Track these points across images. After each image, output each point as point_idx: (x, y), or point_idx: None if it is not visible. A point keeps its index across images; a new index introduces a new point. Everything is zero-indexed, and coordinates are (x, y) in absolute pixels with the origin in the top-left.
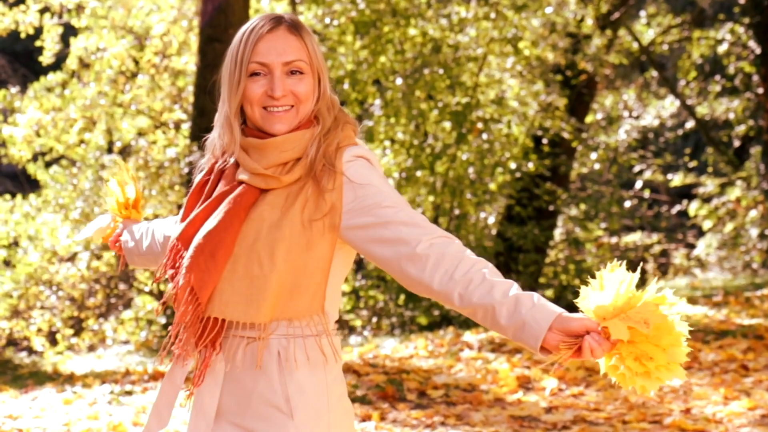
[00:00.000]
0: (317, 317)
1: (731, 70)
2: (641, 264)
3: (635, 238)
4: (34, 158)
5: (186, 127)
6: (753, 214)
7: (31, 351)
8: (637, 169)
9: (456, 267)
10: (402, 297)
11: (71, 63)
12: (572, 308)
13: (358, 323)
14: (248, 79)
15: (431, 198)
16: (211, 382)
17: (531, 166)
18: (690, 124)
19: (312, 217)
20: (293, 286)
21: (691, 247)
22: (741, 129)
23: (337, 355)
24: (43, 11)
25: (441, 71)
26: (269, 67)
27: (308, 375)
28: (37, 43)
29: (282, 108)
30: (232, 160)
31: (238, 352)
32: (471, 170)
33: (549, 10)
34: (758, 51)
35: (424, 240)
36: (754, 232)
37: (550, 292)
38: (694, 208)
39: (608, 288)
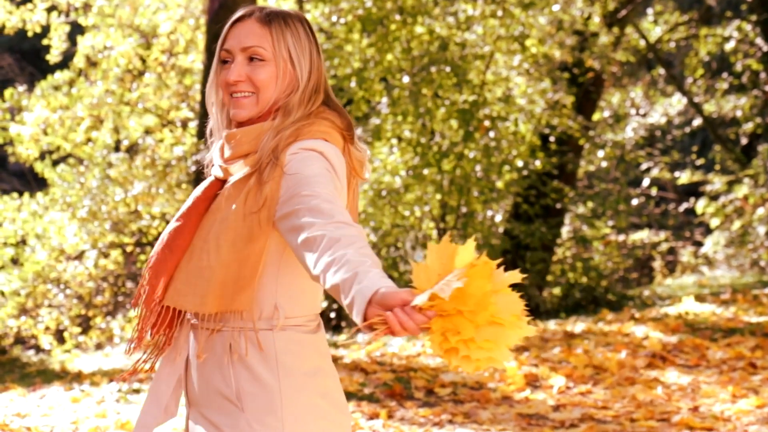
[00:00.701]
0: (269, 311)
1: (739, 67)
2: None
3: (643, 235)
4: (42, 157)
5: (193, 125)
6: (761, 211)
7: (38, 349)
8: (644, 166)
9: (327, 251)
10: None
11: (78, 61)
12: (578, 306)
13: None
14: (220, 67)
15: (438, 196)
16: (170, 371)
17: (538, 163)
18: (697, 122)
19: (251, 209)
20: (238, 278)
21: (699, 244)
22: (748, 126)
23: (294, 351)
24: (50, 10)
25: (448, 69)
26: (232, 53)
27: (259, 368)
28: (44, 42)
29: (242, 94)
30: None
31: (200, 343)
32: (478, 168)
33: (556, 7)
34: (766, 48)
35: (316, 226)
36: (761, 229)
37: (557, 290)
38: (701, 205)
39: (432, 258)
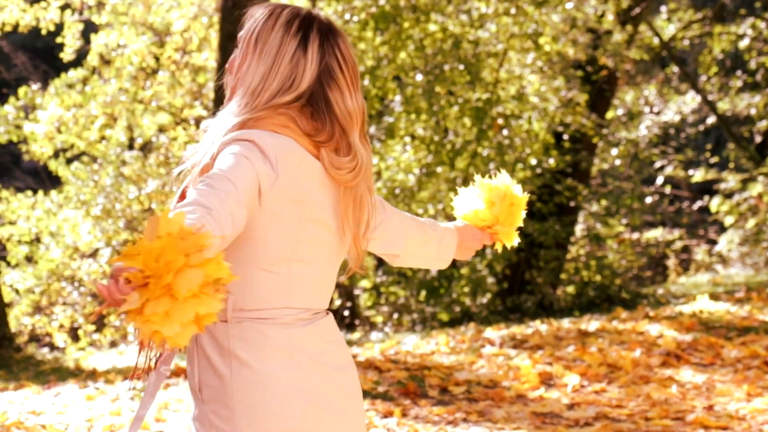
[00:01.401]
0: (225, 304)
1: (753, 65)
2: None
3: (656, 234)
4: (56, 155)
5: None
6: None
7: (53, 347)
8: (658, 165)
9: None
10: (423, 293)
11: (92, 59)
12: (592, 304)
13: (379, 319)
14: None
15: (452, 194)
16: (167, 361)
17: (552, 162)
18: (711, 120)
19: None
20: None
21: (713, 243)
22: (762, 124)
23: (250, 344)
24: (63, 8)
25: (461, 67)
26: None
27: (216, 361)
28: (58, 40)
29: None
30: None
31: None
32: (491, 166)
33: (569, 5)
34: None
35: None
36: None
37: (571, 288)
38: (715, 204)
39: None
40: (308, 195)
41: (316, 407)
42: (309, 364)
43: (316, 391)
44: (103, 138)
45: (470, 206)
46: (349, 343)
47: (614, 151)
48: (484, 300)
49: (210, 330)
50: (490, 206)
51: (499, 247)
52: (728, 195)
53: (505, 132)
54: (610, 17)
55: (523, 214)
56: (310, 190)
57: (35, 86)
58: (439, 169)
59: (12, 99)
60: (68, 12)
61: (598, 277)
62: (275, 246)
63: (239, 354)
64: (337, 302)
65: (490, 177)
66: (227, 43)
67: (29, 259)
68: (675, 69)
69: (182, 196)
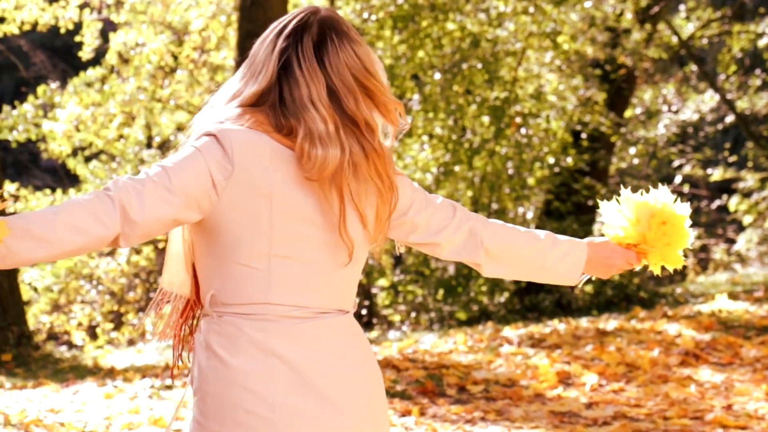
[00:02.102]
0: (210, 297)
1: None
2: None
3: None
4: (74, 153)
5: None
6: None
7: (71, 345)
8: (676, 163)
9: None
10: (441, 292)
11: (110, 58)
12: (610, 304)
13: (397, 318)
14: None
15: (470, 193)
16: None
17: (570, 160)
18: (730, 119)
19: None
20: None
21: (732, 242)
22: None
23: (224, 338)
24: (82, 7)
25: (479, 66)
26: None
27: (200, 354)
28: (77, 39)
29: None
30: None
31: None
32: (509, 165)
33: (588, 4)
34: None
35: None
36: None
37: (589, 288)
38: (734, 203)
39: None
40: (277, 188)
41: (284, 410)
42: (281, 365)
43: (283, 393)
44: (121, 136)
45: (613, 222)
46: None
47: (632, 150)
48: (502, 299)
49: (200, 325)
50: (635, 224)
51: (655, 269)
52: (747, 194)
53: (523, 131)
54: (628, 16)
55: (686, 233)
56: (280, 184)
57: (54, 85)
58: (456, 168)
59: (31, 97)
60: (87, 11)
61: (616, 276)
62: (249, 241)
63: (215, 348)
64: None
65: (646, 191)
66: (245, 42)
67: None
68: (694, 68)
69: None
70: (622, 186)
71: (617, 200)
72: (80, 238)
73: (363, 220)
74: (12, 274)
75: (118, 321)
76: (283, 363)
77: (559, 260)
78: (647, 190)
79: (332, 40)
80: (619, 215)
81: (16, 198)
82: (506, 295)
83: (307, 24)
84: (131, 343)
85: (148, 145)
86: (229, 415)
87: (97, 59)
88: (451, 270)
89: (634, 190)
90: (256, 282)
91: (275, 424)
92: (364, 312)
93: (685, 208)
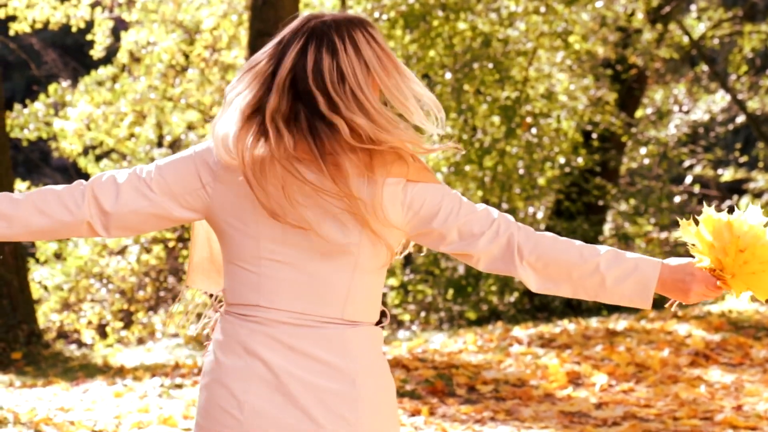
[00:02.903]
0: (224, 295)
1: None
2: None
3: None
4: (85, 152)
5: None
6: None
7: (80, 344)
8: (687, 164)
9: None
10: (450, 291)
11: (122, 57)
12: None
13: (406, 318)
14: None
15: (480, 192)
16: None
17: (580, 160)
18: (741, 119)
19: None
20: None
21: None
22: None
23: (221, 335)
24: (94, 5)
25: (490, 66)
26: None
27: (207, 351)
28: (88, 37)
29: None
30: None
31: None
32: (520, 165)
33: (599, 4)
34: None
35: None
36: None
37: None
38: (744, 203)
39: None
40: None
41: (252, 412)
42: (260, 367)
43: (255, 395)
44: (132, 135)
45: (691, 241)
46: None
47: (643, 150)
48: (512, 299)
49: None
50: (710, 248)
51: (739, 297)
52: (757, 194)
53: (533, 130)
54: (639, 16)
55: None
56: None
57: (65, 83)
58: (467, 168)
59: (42, 96)
60: (99, 9)
61: None
62: (240, 242)
63: (213, 344)
64: None
65: (736, 208)
66: (256, 41)
67: (58, 256)
68: (705, 68)
69: None
70: (705, 204)
71: (695, 219)
72: (42, 220)
73: (363, 224)
74: (22, 273)
75: (128, 320)
76: (263, 366)
77: (622, 279)
78: (660, 190)
79: (313, 47)
80: (696, 237)
81: None
82: (516, 294)
83: (298, 32)
84: (141, 341)
85: (159, 144)
86: (211, 411)
87: (108, 58)
88: (461, 270)
89: (647, 191)
90: (248, 284)
91: (241, 423)
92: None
93: None
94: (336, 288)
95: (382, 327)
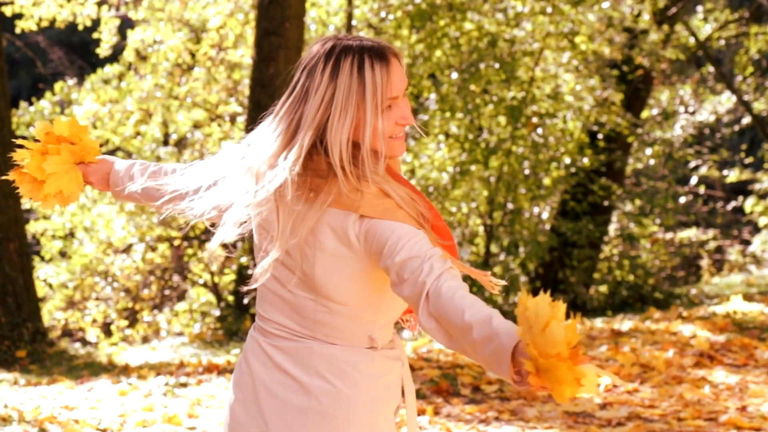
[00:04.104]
0: None
1: None
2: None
3: (690, 234)
4: None
5: (241, 120)
6: None
7: (85, 342)
8: (692, 164)
9: None
10: None
11: (128, 55)
12: (625, 304)
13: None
14: (383, 112)
15: (485, 192)
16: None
17: (586, 161)
18: (746, 120)
19: None
20: None
21: (747, 243)
22: None
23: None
24: (100, 3)
25: (497, 66)
26: (398, 98)
27: None
28: (95, 36)
29: (403, 132)
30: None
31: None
32: (525, 165)
33: (606, 4)
34: None
35: None
36: None
37: (604, 288)
38: (749, 204)
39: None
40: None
41: (232, 416)
42: (247, 375)
43: (237, 401)
44: (138, 134)
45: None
46: None
47: (649, 151)
48: (517, 299)
49: None
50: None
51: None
52: (762, 195)
53: (539, 131)
54: (646, 17)
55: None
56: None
57: (71, 81)
58: (473, 168)
59: (48, 94)
60: (105, 8)
61: (631, 277)
62: (257, 254)
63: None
64: None
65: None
66: (263, 40)
67: (63, 254)
68: (711, 69)
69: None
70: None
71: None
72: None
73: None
74: (27, 271)
75: (132, 318)
76: (249, 375)
77: (485, 346)
78: (665, 191)
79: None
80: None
81: None
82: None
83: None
84: (146, 340)
85: (165, 143)
86: (224, 411)
87: (114, 56)
88: None
89: (652, 192)
90: (258, 294)
91: (227, 424)
92: None
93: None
94: (306, 310)
95: (374, 348)
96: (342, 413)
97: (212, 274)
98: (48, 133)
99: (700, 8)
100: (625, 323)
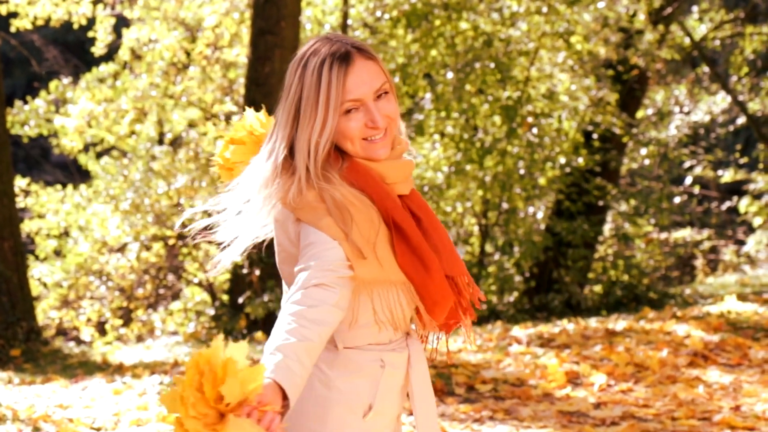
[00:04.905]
0: None
1: None
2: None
3: (685, 234)
4: (86, 149)
5: (236, 119)
6: None
7: (79, 341)
8: (687, 165)
9: None
10: None
11: (123, 54)
12: (619, 304)
13: None
14: (343, 118)
15: (480, 192)
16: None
17: (581, 161)
18: (741, 120)
19: None
20: None
21: (741, 243)
22: None
23: None
24: (95, 2)
25: (492, 65)
26: (362, 100)
27: None
28: (90, 34)
29: (380, 134)
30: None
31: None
32: (521, 165)
33: (601, 4)
34: None
35: None
36: None
37: (599, 288)
38: (744, 204)
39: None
40: None
41: None
42: None
43: None
44: (133, 133)
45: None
46: None
47: (643, 151)
48: (511, 298)
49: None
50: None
51: None
52: (757, 196)
53: (534, 130)
54: (641, 17)
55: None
56: None
57: (66, 80)
58: (468, 167)
59: (43, 93)
60: (100, 6)
61: (625, 277)
62: None
63: None
64: None
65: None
66: (258, 39)
67: (57, 253)
68: (706, 69)
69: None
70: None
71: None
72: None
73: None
74: (22, 270)
75: (127, 317)
76: None
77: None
78: (660, 191)
79: None
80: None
81: (26, 193)
82: (515, 294)
83: None
84: (140, 339)
85: (160, 142)
86: None
87: (109, 55)
88: None
89: (647, 192)
90: None
91: None
92: None
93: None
94: None
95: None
96: (297, 407)
97: (207, 273)
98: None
99: (695, 8)
100: (619, 323)
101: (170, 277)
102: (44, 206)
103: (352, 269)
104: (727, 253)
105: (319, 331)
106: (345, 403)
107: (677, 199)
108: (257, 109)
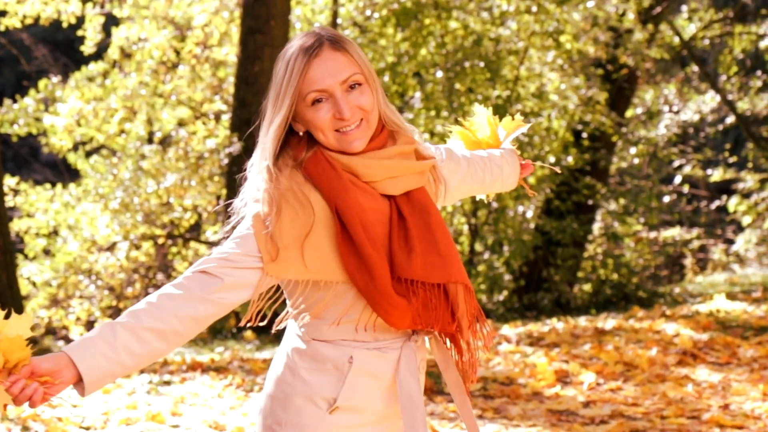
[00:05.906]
0: None
1: None
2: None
3: (674, 233)
4: (75, 148)
5: (226, 118)
6: None
7: (68, 340)
8: (676, 164)
9: None
10: None
11: (112, 53)
12: (609, 303)
13: None
14: (311, 108)
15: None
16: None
17: (570, 160)
18: (730, 120)
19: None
20: None
21: (731, 242)
22: None
23: None
24: (85, 1)
25: (482, 64)
26: (328, 91)
27: None
28: (79, 33)
29: (353, 125)
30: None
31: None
32: None
33: (590, 4)
34: None
35: None
36: None
37: (588, 287)
38: (733, 203)
39: None
40: None
41: None
42: None
43: None
44: (122, 131)
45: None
46: None
47: (633, 150)
48: (501, 297)
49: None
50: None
51: None
52: (746, 195)
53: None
54: (630, 16)
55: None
56: None
57: (55, 79)
58: None
59: (32, 91)
60: (89, 5)
61: (615, 276)
62: None
63: None
64: None
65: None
66: (248, 38)
67: (47, 252)
68: (695, 68)
69: None
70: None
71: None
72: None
73: None
74: (11, 269)
75: (116, 316)
76: None
77: None
78: (649, 190)
79: None
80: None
81: (15, 192)
82: (505, 293)
83: None
84: None
85: (149, 141)
86: None
87: (99, 54)
88: None
89: (636, 191)
90: None
91: None
92: None
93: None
94: None
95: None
96: (267, 389)
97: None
98: None
99: (684, 8)
100: (608, 322)
101: (159, 276)
102: (33, 205)
103: (263, 263)
104: (716, 252)
105: (161, 316)
106: (306, 394)
107: (666, 198)
108: (246, 108)
